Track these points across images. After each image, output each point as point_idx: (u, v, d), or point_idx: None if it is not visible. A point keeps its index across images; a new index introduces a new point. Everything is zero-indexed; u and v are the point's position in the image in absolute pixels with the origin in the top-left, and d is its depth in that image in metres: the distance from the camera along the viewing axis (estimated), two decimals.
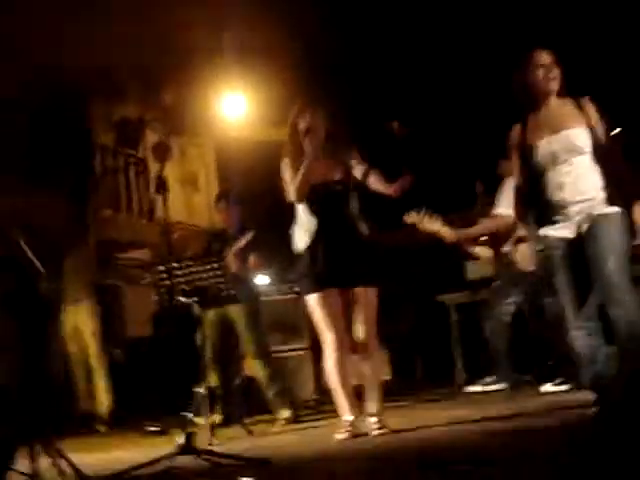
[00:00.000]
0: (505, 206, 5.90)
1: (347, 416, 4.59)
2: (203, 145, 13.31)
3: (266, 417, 6.44)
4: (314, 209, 4.66)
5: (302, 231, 4.67)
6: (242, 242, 6.28)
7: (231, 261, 6.04)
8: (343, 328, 4.61)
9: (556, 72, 4.13)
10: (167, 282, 5.40)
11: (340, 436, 4.50)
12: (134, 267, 10.38)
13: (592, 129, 4.05)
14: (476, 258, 6.51)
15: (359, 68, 11.42)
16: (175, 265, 5.42)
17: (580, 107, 4.11)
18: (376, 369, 4.69)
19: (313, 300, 4.62)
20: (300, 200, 4.65)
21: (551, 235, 4.09)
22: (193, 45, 12.10)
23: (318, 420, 6.11)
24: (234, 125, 11.91)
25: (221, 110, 11.27)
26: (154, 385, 7.61)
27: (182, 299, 5.45)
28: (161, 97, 11.34)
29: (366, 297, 4.59)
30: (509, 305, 6.10)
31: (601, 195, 4.01)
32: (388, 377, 8.12)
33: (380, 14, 10.76)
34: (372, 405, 4.60)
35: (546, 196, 4.08)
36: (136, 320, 10.11)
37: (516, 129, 4.25)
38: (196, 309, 5.55)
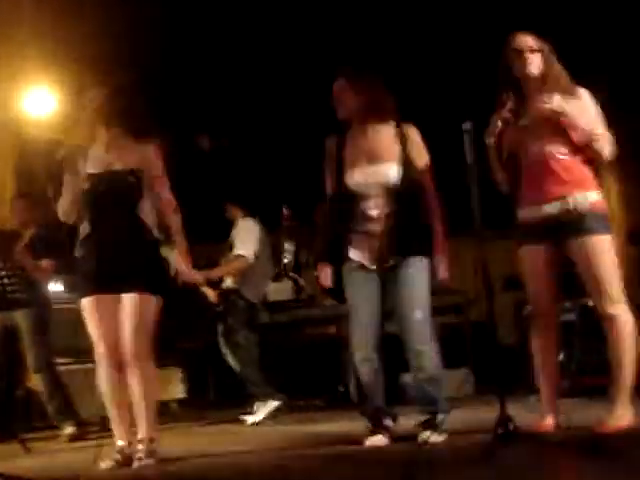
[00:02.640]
0: (244, 248, 6.11)
1: (118, 441, 4.10)
2: (2, 141, 12.55)
3: (47, 433, 6.11)
4: (89, 201, 4.09)
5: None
6: (26, 237, 5.98)
7: (21, 257, 5.67)
8: (117, 341, 4.04)
9: (343, 98, 4.14)
10: None
11: (104, 464, 3.96)
12: None
13: (406, 163, 4.06)
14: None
15: (172, 76, 11.19)
16: None
17: (399, 135, 4.11)
18: (144, 387, 4.03)
19: (83, 307, 4.10)
20: (67, 219, 4.19)
21: (355, 259, 4.11)
22: None
23: (105, 438, 5.80)
24: (37, 123, 11.34)
25: (24, 106, 10.68)
26: None
27: None
28: None
29: (133, 304, 3.99)
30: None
31: (406, 236, 4.03)
32: (182, 395, 7.94)
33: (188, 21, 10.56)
34: (140, 430, 4.05)
35: (353, 223, 4.09)
36: None
37: (331, 142, 4.21)
38: None
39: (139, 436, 4.07)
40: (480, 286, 3.89)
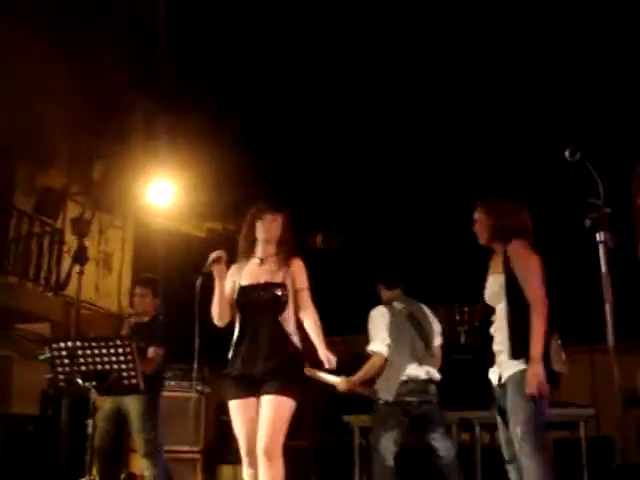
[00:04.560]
0: (375, 342, 5.68)
1: None
2: (123, 228, 12.97)
3: None
4: (240, 309, 4.45)
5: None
6: (156, 325, 6.10)
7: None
8: (256, 443, 4.25)
9: (477, 226, 4.30)
10: (66, 360, 5.07)
11: None
12: (31, 341, 9.82)
13: (511, 275, 4.08)
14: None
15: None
16: (78, 344, 5.08)
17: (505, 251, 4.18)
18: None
19: (230, 409, 4.40)
20: (220, 323, 4.46)
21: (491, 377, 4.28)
22: (129, 126, 11.99)
23: None
24: (157, 213, 11.70)
25: (147, 195, 11.06)
26: (34, 470, 7.11)
27: (79, 381, 5.08)
28: (88, 171, 11.09)
29: (270, 404, 4.23)
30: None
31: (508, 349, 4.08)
32: None
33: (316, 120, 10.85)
34: None
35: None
36: (23, 396, 9.52)
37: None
38: (93, 394, 5.16)
39: None
40: (598, 400, 3.72)
